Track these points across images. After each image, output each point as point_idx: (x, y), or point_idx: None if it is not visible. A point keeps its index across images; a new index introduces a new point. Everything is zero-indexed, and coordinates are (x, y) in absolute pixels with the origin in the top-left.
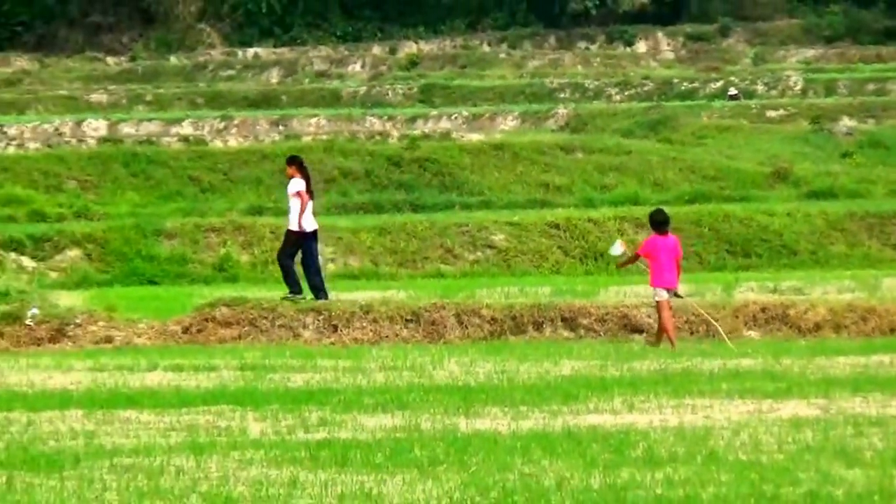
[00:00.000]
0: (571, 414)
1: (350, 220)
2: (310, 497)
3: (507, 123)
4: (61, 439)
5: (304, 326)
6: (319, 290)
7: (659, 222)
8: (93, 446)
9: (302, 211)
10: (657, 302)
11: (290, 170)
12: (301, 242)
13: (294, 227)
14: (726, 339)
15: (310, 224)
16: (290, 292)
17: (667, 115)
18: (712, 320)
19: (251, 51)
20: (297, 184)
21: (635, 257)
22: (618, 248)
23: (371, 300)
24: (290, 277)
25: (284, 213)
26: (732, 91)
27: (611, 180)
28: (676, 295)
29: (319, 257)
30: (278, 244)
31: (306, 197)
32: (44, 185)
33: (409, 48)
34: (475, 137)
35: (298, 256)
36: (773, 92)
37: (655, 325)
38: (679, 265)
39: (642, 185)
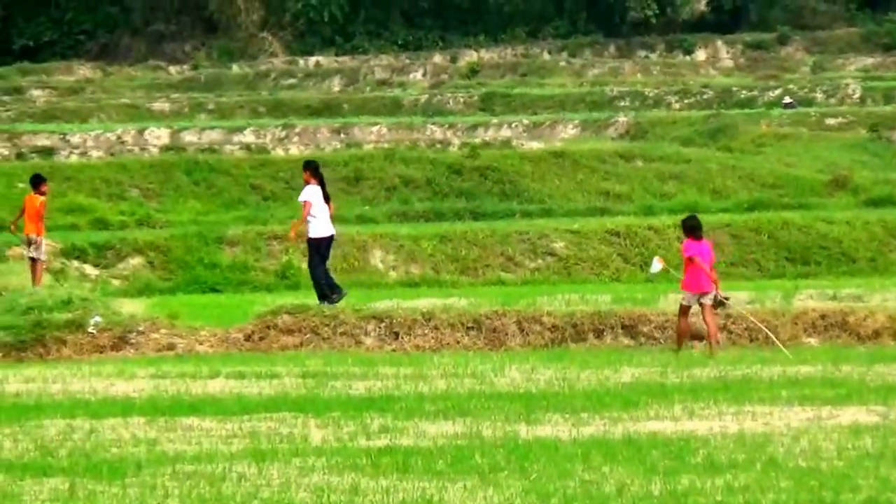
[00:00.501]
0: (632, 421)
1: (411, 228)
2: None
3: (568, 131)
4: (124, 446)
5: (366, 334)
6: (324, 297)
7: (692, 227)
8: (155, 453)
9: (302, 219)
10: (681, 305)
11: (306, 175)
12: (322, 250)
13: (312, 234)
14: (782, 346)
15: (325, 230)
16: (335, 295)
17: (726, 123)
18: (764, 328)
19: (313, 59)
20: (307, 191)
21: (689, 260)
22: (656, 266)
23: (432, 308)
24: (328, 283)
25: (347, 220)
26: (788, 100)
27: (670, 188)
28: (720, 302)
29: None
30: (341, 252)
31: (309, 206)
32: (106, 193)
33: (469, 56)
34: (535, 145)
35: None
36: (832, 100)
37: (708, 331)
38: (714, 269)
39: (701, 193)
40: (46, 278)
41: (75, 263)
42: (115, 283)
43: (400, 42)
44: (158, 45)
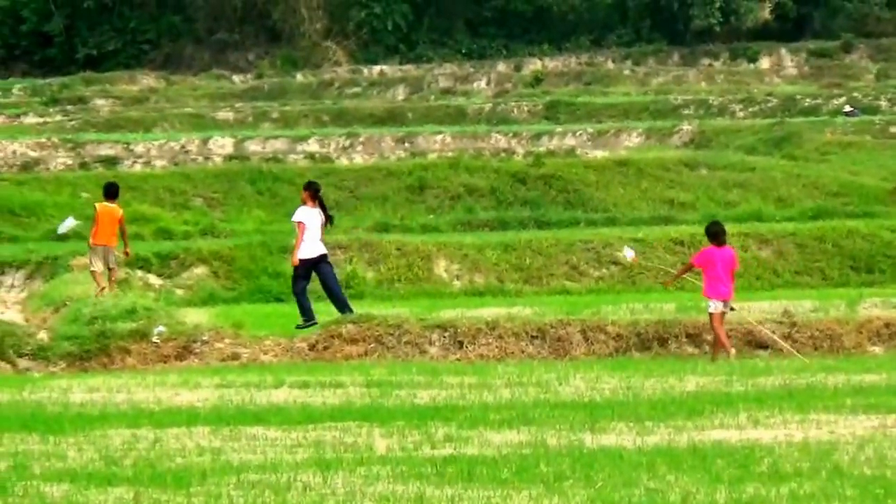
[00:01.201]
0: (696, 429)
1: (475, 237)
2: None
3: (632, 140)
4: (188, 456)
5: (430, 343)
6: (344, 306)
7: (714, 233)
8: (220, 463)
9: (298, 241)
10: (710, 314)
11: (304, 195)
12: (310, 271)
13: (300, 255)
14: (797, 354)
15: (312, 251)
16: (304, 321)
17: (790, 131)
18: (776, 337)
19: (377, 68)
20: (300, 212)
21: (689, 267)
22: (628, 253)
23: (497, 317)
24: (301, 307)
25: (411, 229)
26: (848, 108)
27: (734, 196)
28: (731, 308)
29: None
30: (405, 261)
31: (303, 227)
32: (170, 202)
33: (533, 65)
34: (599, 154)
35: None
36: None
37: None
38: (733, 277)
39: (766, 201)
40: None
41: (139, 273)
42: (179, 292)
43: (464, 51)
44: (222, 54)
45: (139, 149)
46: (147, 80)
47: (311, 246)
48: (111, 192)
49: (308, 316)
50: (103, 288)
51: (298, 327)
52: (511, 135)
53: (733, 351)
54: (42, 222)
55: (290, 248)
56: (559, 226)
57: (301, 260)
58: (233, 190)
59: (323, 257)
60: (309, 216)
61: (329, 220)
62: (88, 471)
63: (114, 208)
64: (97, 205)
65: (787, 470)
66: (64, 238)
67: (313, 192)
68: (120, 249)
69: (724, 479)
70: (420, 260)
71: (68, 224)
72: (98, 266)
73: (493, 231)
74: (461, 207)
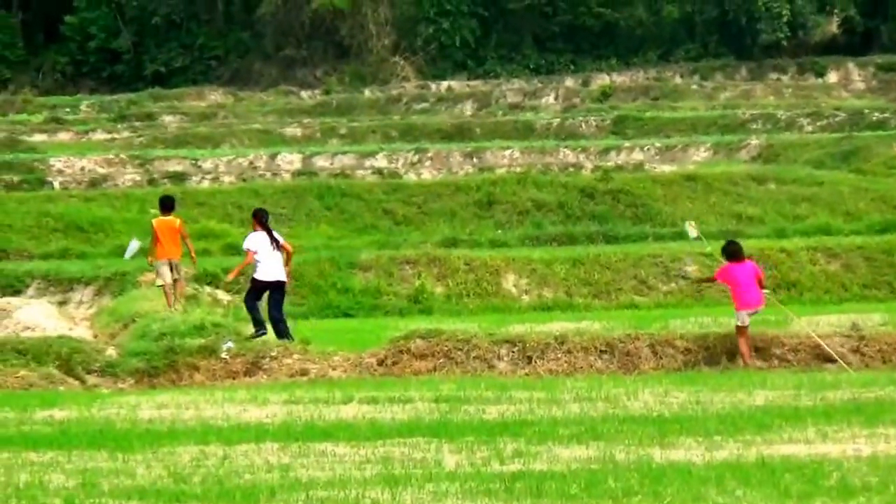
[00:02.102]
0: (765, 444)
1: (544, 252)
2: None
3: (700, 154)
4: (257, 472)
5: (499, 358)
6: (283, 335)
7: (731, 253)
8: (288, 479)
9: (242, 265)
10: (737, 326)
11: (253, 222)
12: (263, 291)
13: (257, 276)
14: (846, 366)
15: (271, 274)
16: (256, 331)
17: (858, 145)
18: (824, 344)
19: (445, 83)
20: (250, 239)
21: (712, 279)
22: (692, 232)
23: (565, 331)
24: (254, 318)
25: (479, 244)
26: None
27: (802, 211)
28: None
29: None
30: (474, 276)
31: (251, 254)
32: (238, 218)
33: (601, 80)
34: (668, 168)
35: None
36: None
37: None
38: (762, 284)
39: (834, 215)
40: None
41: (207, 289)
42: None
43: (532, 66)
44: (290, 70)
45: (207, 165)
46: (215, 96)
47: (266, 269)
48: (167, 205)
49: (259, 328)
50: (177, 300)
51: (250, 338)
52: (579, 150)
53: (751, 362)
54: (110, 238)
55: (357, 263)
56: (627, 240)
57: (258, 281)
58: (301, 206)
59: (279, 284)
60: (261, 242)
61: (276, 245)
62: (157, 488)
63: (171, 220)
64: (153, 220)
65: (855, 484)
66: (133, 259)
67: (258, 219)
68: (187, 263)
69: (792, 493)
70: (488, 275)
71: (133, 248)
72: (167, 279)
73: (562, 246)
74: (529, 222)
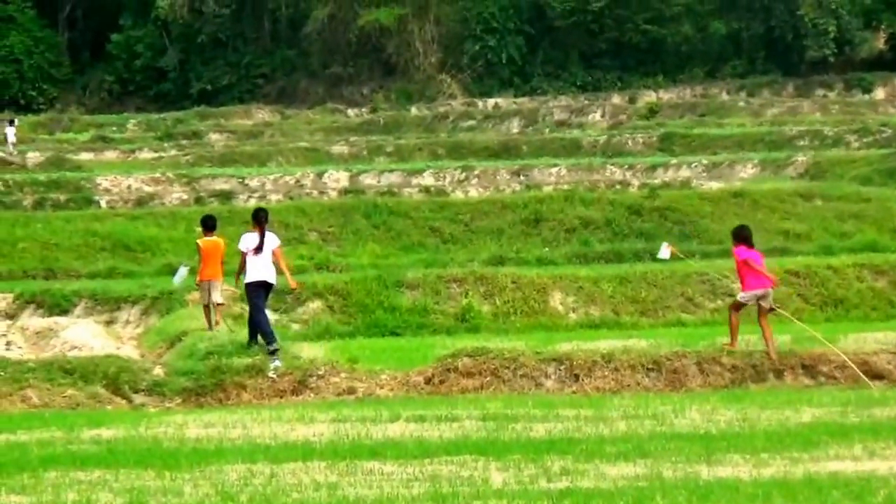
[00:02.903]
0: (812, 461)
1: (591, 270)
2: None
3: (747, 171)
4: (304, 491)
5: (546, 376)
6: (259, 336)
7: (746, 237)
8: (336, 498)
9: (239, 270)
10: (736, 301)
11: (252, 221)
12: (255, 296)
13: (245, 279)
14: (866, 379)
15: (253, 275)
16: (268, 346)
17: None
18: (844, 355)
19: (491, 101)
20: (242, 239)
21: (744, 265)
22: (665, 252)
23: (612, 349)
24: (262, 332)
25: (526, 262)
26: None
27: (850, 227)
28: (771, 309)
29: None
30: (521, 294)
31: (242, 257)
32: (285, 237)
33: (648, 97)
34: (714, 185)
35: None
36: None
37: (764, 333)
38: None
39: (881, 232)
40: (227, 323)
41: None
42: (295, 327)
43: (578, 83)
44: (337, 88)
45: (254, 183)
46: (261, 114)
47: (251, 270)
48: (210, 224)
49: (270, 339)
50: (217, 322)
51: (270, 353)
52: (626, 167)
53: (736, 345)
54: (157, 257)
55: (404, 282)
56: (673, 257)
57: (246, 284)
58: (348, 224)
59: (264, 285)
60: (249, 242)
61: (261, 246)
62: None
63: (217, 241)
64: (199, 241)
65: None
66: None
67: (255, 219)
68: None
69: None
70: (535, 293)
71: (182, 273)
72: (216, 298)
73: (609, 263)
74: (576, 240)
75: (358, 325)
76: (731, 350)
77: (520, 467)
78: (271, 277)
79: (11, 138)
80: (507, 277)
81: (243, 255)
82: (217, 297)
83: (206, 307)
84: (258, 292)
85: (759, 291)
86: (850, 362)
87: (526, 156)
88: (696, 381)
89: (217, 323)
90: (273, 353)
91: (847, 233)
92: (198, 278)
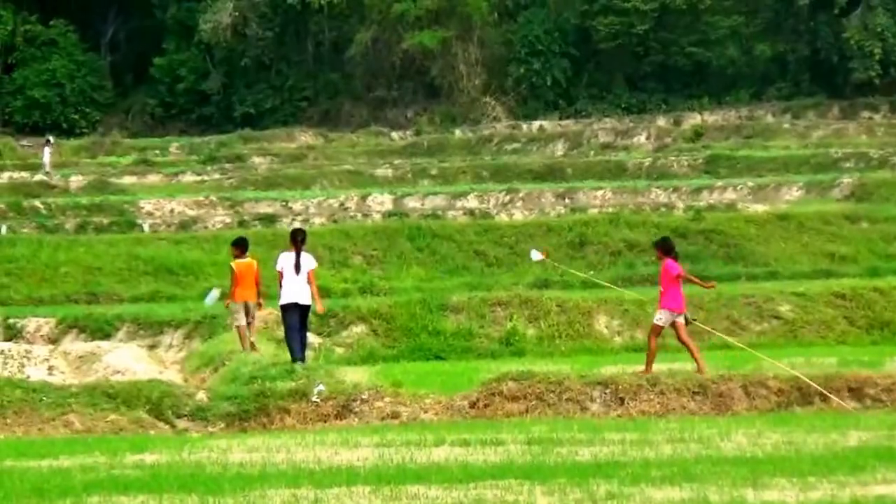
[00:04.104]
0: (859, 485)
1: (636, 293)
2: None
3: (792, 194)
4: None
5: (592, 400)
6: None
7: (671, 248)
8: None
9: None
10: (655, 325)
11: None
12: (288, 317)
13: (280, 300)
14: (842, 402)
15: (285, 297)
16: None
17: None
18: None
19: (536, 123)
20: (279, 259)
21: (675, 280)
22: (536, 255)
23: (657, 373)
24: (289, 346)
25: (571, 285)
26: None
27: None
28: (688, 321)
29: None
30: (566, 318)
31: (280, 277)
32: (329, 260)
33: (693, 119)
34: (760, 208)
35: None
36: None
37: (690, 349)
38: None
39: None
40: (272, 347)
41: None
42: (339, 351)
43: (623, 105)
44: (380, 111)
45: (297, 206)
46: (305, 137)
47: (285, 292)
48: (243, 246)
49: (293, 356)
50: (252, 343)
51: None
52: (671, 189)
53: (651, 370)
54: (200, 281)
55: (448, 305)
56: (720, 280)
57: (280, 306)
58: (392, 247)
59: (298, 307)
60: (285, 262)
61: (298, 267)
62: None
63: (250, 263)
64: (233, 263)
65: None
66: (214, 306)
67: (292, 239)
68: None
69: None
70: (580, 316)
71: (214, 296)
72: (241, 321)
73: (654, 286)
74: (622, 263)
75: (402, 348)
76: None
77: (565, 491)
78: (306, 299)
79: (47, 158)
80: (552, 301)
81: (279, 275)
82: (252, 317)
83: (240, 328)
84: (292, 314)
85: (677, 312)
86: (807, 380)
87: (571, 178)
88: (741, 405)
89: (252, 345)
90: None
91: (893, 255)
92: (228, 300)
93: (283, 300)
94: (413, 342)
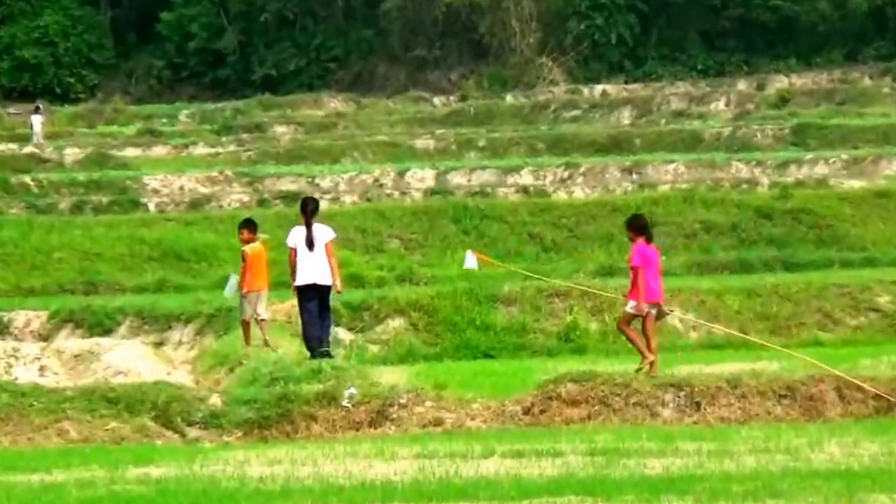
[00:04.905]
0: None
1: (713, 281)
2: None
3: (892, 168)
4: None
5: (663, 404)
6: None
7: (643, 227)
8: None
9: (292, 271)
10: (626, 312)
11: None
12: (305, 300)
13: (295, 281)
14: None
15: (304, 278)
16: (318, 349)
17: None
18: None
19: (599, 88)
20: (290, 235)
21: (636, 273)
22: (471, 261)
23: (739, 373)
24: (304, 335)
25: None
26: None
27: None
28: (663, 314)
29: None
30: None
31: (292, 255)
32: (362, 244)
33: (779, 83)
34: (856, 184)
35: None
36: None
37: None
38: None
39: None
40: (296, 343)
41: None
42: (373, 348)
43: (699, 67)
44: (420, 73)
45: (326, 183)
46: (334, 103)
47: (300, 272)
48: (254, 228)
49: (308, 344)
50: (265, 341)
51: (315, 357)
52: (753, 163)
53: (652, 357)
54: (214, 268)
55: (499, 296)
56: (810, 267)
57: (295, 287)
58: (434, 230)
59: (315, 288)
60: (297, 238)
61: (312, 243)
62: None
63: (262, 247)
64: (247, 248)
65: None
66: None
67: (302, 210)
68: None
69: None
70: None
71: (233, 284)
72: (250, 313)
73: (734, 274)
74: (697, 247)
75: (445, 346)
76: (644, 368)
77: None
78: (325, 278)
79: (37, 128)
80: (617, 291)
81: (292, 252)
82: (263, 310)
83: (247, 322)
84: (310, 297)
85: (651, 301)
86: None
87: (639, 151)
88: (835, 410)
89: (266, 342)
90: (317, 355)
91: None
92: (245, 289)
93: (299, 281)
94: (458, 338)
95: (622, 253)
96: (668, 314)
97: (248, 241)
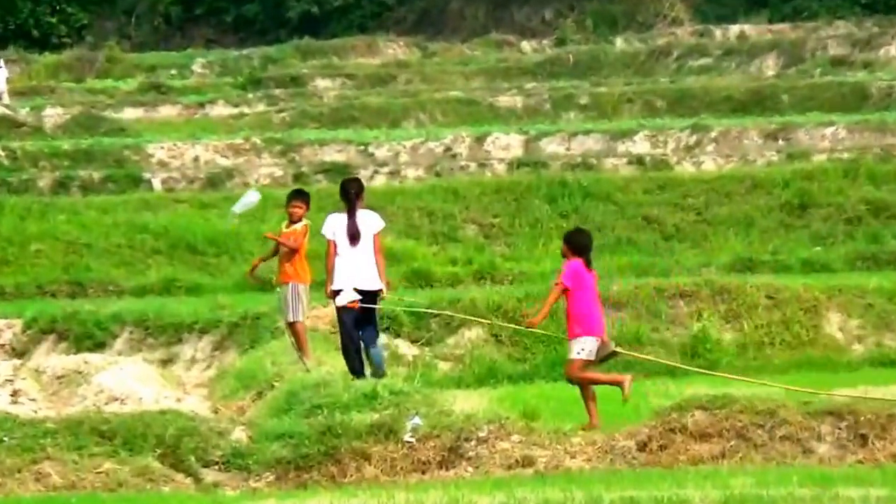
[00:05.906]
0: None
1: (884, 279)
2: None
3: None
4: None
5: (819, 438)
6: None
7: (583, 246)
8: None
9: (328, 264)
10: (571, 360)
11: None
12: (343, 309)
13: (333, 284)
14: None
15: (342, 281)
16: (357, 373)
17: None
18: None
19: (734, 29)
20: (328, 222)
21: (559, 293)
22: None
23: None
24: (346, 357)
25: (788, 268)
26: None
27: None
28: (612, 353)
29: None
30: (779, 315)
31: (330, 248)
32: (429, 231)
33: None
34: None
35: None
36: None
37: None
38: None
39: None
40: (342, 361)
41: (383, 338)
42: (443, 366)
43: (864, 2)
44: (504, 12)
45: (381, 153)
46: (393, 49)
47: (338, 272)
48: (308, 201)
49: (354, 373)
50: (301, 356)
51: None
52: None
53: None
54: (237, 263)
55: (606, 297)
56: None
57: (332, 292)
58: (522, 211)
59: (358, 293)
60: (336, 227)
61: (355, 235)
62: None
63: (306, 225)
64: (298, 226)
65: None
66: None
67: (343, 194)
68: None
69: None
70: (802, 313)
71: (249, 200)
72: (301, 314)
73: None
74: (862, 235)
75: (537, 363)
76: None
77: None
78: (370, 282)
79: (1, 85)
80: (759, 291)
81: (330, 245)
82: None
83: (301, 325)
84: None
85: (599, 338)
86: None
87: (787, 110)
88: None
89: (301, 357)
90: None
91: None
92: (290, 279)
93: (337, 283)
94: (553, 353)
95: (764, 241)
96: (615, 354)
97: (299, 220)
